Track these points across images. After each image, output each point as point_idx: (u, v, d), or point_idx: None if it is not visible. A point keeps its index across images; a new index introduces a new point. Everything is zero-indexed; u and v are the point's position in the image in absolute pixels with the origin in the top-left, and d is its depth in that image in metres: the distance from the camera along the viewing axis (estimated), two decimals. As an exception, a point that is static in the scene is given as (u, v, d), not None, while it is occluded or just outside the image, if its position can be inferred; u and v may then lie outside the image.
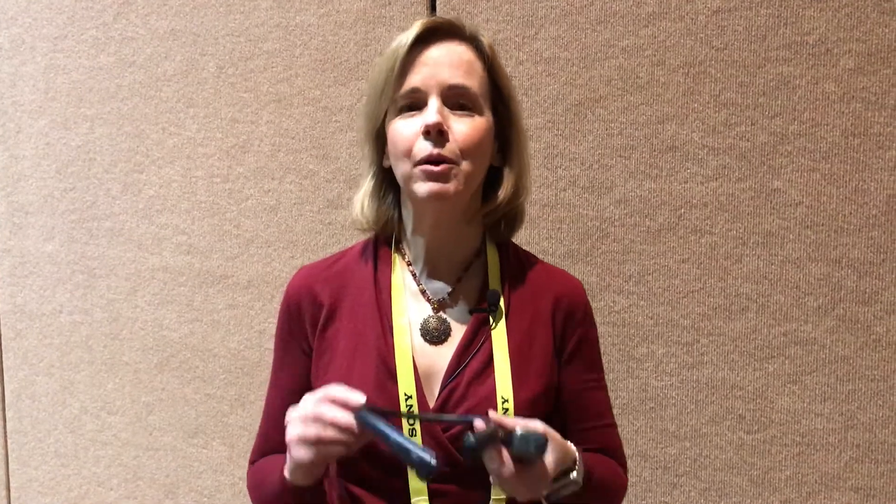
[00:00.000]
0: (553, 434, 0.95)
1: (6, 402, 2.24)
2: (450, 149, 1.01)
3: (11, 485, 2.26)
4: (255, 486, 1.13)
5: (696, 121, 1.48)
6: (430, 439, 1.01)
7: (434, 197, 1.02)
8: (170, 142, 1.93)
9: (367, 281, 1.11)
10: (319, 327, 1.11)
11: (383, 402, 1.02)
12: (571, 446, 1.01)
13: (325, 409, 0.91)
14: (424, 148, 1.01)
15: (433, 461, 0.84)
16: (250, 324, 1.89)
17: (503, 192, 1.10)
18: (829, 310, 1.45)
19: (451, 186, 1.01)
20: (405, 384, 1.03)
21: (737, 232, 1.48)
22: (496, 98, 1.09)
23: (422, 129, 1.01)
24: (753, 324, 1.49)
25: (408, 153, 1.02)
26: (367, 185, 1.14)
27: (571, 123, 1.56)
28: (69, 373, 2.14)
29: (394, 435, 0.87)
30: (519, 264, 1.15)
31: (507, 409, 1.01)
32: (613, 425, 1.16)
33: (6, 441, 2.25)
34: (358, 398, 0.91)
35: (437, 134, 1.00)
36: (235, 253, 1.89)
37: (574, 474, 0.99)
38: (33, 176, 2.12)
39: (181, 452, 2.01)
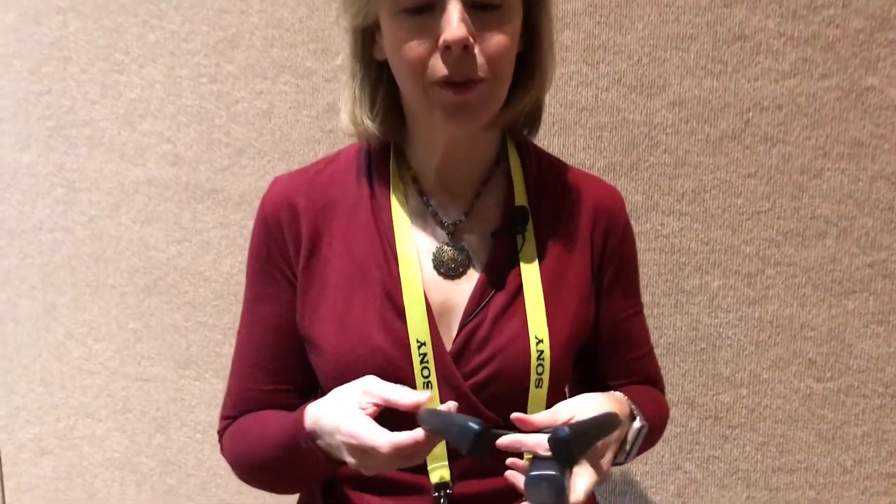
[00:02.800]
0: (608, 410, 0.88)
1: (-10, 325, 2.14)
2: (477, 65, 0.84)
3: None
4: (241, 451, 0.99)
5: (772, 3, 1.34)
6: (448, 390, 0.92)
7: (459, 126, 0.89)
8: (151, 36, 1.77)
9: (363, 198, 0.96)
10: (304, 253, 0.96)
11: (390, 344, 0.92)
12: (623, 402, 0.95)
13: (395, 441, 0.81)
14: (444, 68, 0.83)
15: (476, 426, 0.74)
16: (243, 245, 1.71)
17: (530, 91, 0.93)
18: (928, 236, 1.32)
19: (478, 120, 0.89)
20: (416, 326, 0.91)
21: (817, 141, 1.37)
22: None
23: (441, 44, 0.82)
24: (832, 252, 1.40)
25: (420, 73, 0.84)
26: (355, 86, 0.95)
27: (618, 7, 1.41)
28: (52, 295, 2.04)
29: (438, 419, 0.81)
30: (545, 172, 1.01)
31: (541, 351, 0.92)
32: (652, 349, 1.14)
33: (-8, 367, 2.17)
34: (420, 397, 0.83)
35: (460, 50, 0.81)
36: (225, 164, 1.75)
37: (637, 422, 0.94)
38: (5, 77, 1.97)
39: (172, 384, 1.93)
